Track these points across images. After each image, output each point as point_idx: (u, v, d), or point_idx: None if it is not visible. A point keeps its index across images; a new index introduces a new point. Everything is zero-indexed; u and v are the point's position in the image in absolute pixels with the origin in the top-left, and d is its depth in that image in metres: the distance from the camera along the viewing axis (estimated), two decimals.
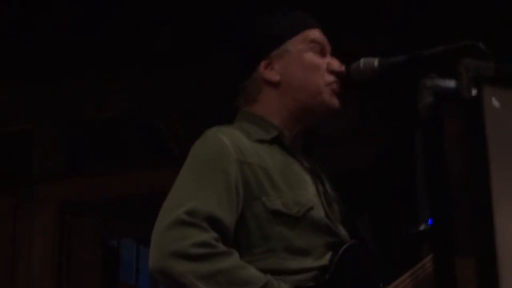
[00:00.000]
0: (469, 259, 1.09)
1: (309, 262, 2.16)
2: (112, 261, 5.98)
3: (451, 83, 1.23)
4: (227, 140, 2.21)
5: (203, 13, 4.61)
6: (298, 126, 2.38)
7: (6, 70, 4.99)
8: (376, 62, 2.13)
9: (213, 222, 2.06)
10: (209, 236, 2.04)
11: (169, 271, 2.01)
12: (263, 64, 2.36)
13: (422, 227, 2.46)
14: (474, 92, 1.23)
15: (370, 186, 4.37)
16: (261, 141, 2.29)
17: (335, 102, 2.36)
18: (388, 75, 2.13)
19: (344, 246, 2.20)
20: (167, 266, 2.01)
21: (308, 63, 2.37)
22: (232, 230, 2.12)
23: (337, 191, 2.38)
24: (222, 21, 4.54)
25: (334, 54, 2.48)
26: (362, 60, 2.14)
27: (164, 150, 4.82)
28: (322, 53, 2.39)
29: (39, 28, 4.87)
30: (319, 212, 2.23)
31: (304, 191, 2.24)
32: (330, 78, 2.36)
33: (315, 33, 2.41)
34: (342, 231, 2.28)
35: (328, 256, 2.19)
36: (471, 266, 1.05)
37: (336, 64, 2.38)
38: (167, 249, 2.02)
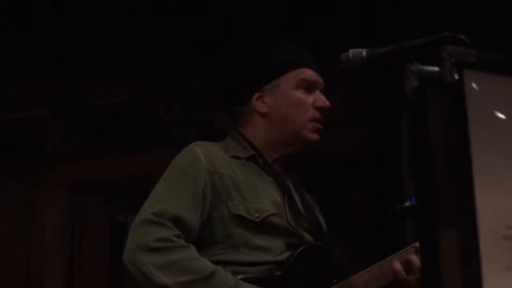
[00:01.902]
0: (452, 230, 1.10)
1: (268, 257, 2.30)
2: (120, 235, 6.01)
3: (434, 69, 1.25)
4: (201, 153, 2.37)
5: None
6: (278, 153, 2.50)
7: (17, 57, 5.01)
8: (364, 52, 2.15)
9: (177, 222, 2.23)
10: (171, 233, 2.21)
11: (134, 261, 2.19)
12: (256, 96, 2.50)
13: (406, 204, 2.51)
14: (456, 76, 1.25)
15: (359, 169, 4.40)
16: (237, 157, 2.44)
17: (314, 136, 2.49)
18: (375, 64, 2.15)
19: (302, 247, 2.34)
20: (133, 258, 2.20)
21: (294, 99, 2.50)
22: (195, 229, 2.28)
23: (308, 204, 2.52)
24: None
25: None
26: (351, 51, 2.17)
27: (165, 134, 4.83)
28: (310, 90, 2.50)
29: (49, 18, 4.86)
30: (280, 218, 2.35)
31: (267, 200, 2.37)
32: (315, 114, 2.48)
33: (306, 72, 2.51)
34: (305, 235, 2.40)
35: (286, 254, 2.32)
36: (454, 237, 1.07)
37: (321, 101, 2.48)
38: (134, 243, 2.23)
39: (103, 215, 5.19)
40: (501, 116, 1.18)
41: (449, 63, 1.17)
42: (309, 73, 2.51)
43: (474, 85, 1.18)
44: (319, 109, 2.47)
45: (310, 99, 2.48)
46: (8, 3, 4.78)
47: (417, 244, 2.27)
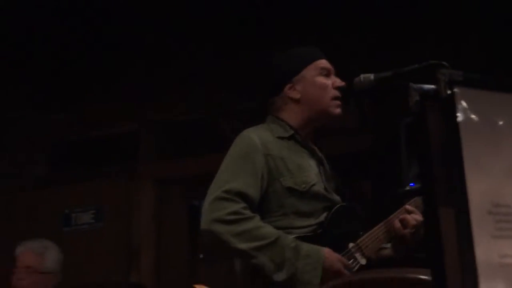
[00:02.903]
0: (448, 208, 1.09)
1: (311, 221, 2.27)
2: (196, 216, 5.98)
3: (431, 87, 1.23)
4: (256, 138, 2.33)
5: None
6: (310, 128, 2.47)
7: (118, 82, 5.04)
8: (372, 76, 2.14)
9: (243, 197, 2.19)
10: (239, 206, 2.16)
11: (213, 231, 2.14)
12: (287, 86, 2.45)
13: (406, 188, 2.51)
14: (448, 92, 1.23)
15: (369, 163, 4.36)
16: (281, 138, 2.38)
17: (338, 111, 2.45)
18: (381, 85, 2.13)
19: (335, 207, 2.33)
20: (211, 229, 2.15)
21: (319, 84, 2.48)
22: (256, 202, 2.23)
23: (332, 170, 2.47)
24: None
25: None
26: (361, 76, 2.16)
27: (224, 139, 4.82)
28: (328, 75, 2.48)
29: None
30: (319, 187, 2.32)
31: (309, 172, 2.33)
32: (336, 93, 2.45)
33: (323, 62, 2.49)
34: (336, 198, 2.38)
35: (324, 215, 2.30)
36: (450, 214, 1.06)
37: (338, 81, 2.46)
38: (210, 217, 2.20)
39: (182, 201, 5.19)
40: (485, 118, 1.17)
41: (443, 82, 1.16)
42: (325, 62, 2.50)
43: (462, 98, 1.17)
44: (338, 88, 2.45)
45: (330, 81, 2.46)
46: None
47: (407, 206, 2.40)
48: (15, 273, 3.72)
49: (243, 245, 2.11)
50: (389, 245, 2.44)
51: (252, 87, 4.49)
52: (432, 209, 1.09)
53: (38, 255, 3.76)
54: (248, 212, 2.17)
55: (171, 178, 4.99)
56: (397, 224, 2.35)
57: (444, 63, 1.61)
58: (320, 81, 2.46)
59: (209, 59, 4.72)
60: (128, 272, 4.78)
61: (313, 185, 2.31)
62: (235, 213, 2.14)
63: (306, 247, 2.17)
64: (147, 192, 4.93)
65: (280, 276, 2.11)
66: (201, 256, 6.09)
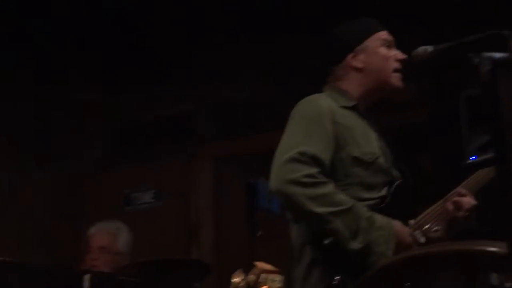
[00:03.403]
0: None
1: (374, 194, 2.24)
2: (253, 194, 5.99)
3: (503, 55, 1.20)
4: (323, 104, 2.28)
5: None
6: (369, 99, 2.43)
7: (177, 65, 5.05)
8: (430, 48, 2.10)
9: (317, 161, 2.13)
10: (315, 170, 2.11)
11: (287, 193, 2.08)
12: (350, 55, 2.41)
13: (467, 162, 2.46)
14: None
15: (428, 136, 4.30)
16: (345, 107, 2.34)
17: (399, 84, 2.42)
18: (440, 56, 2.09)
19: (396, 183, 2.28)
20: (285, 190, 2.10)
21: (382, 54, 2.43)
22: (328, 168, 2.16)
23: (391, 144, 2.42)
24: None
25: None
26: (420, 48, 2.12)
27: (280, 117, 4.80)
28: (389, 47, 2.42)
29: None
30: (382, 160, 2.28)
31: (373, 144, 2.30)
32: (398, 65, 2.40)
33: (385, 34, 2.47)
34: (395, 173, 2.34)
35: (385, 189, 2.25)
36: None
37: (400, 54, 2.43)
38: (285, 178, 2.11)
39: (240, 179, 5.20)
40: None
41: None
42: (387, 34, 2.47)
43: None
44: (400, 61, 2.42)
45: (392, 53, 2.43)
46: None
47: (460, 189, 2.35)
48: (88, 252, 3.81)
49: (319, 209, 2.06)
50: (439, 227, 2.37)
51: (306, 65, 4.48)
52: (506, 176, 1.07)
53: (112, 235, 3.86)
54: (323, 177, 2.11)
55: (228, 156, 5.02)
56: (450, 206, 2.30)
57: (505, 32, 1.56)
58: (383, 52, 2.42)
59: (265, 38, 4.70)
60: (188, 250, 4.83)
61: (378, 157, 2.27)
62: (311, 176, 2.08)
63: (379, 218, 2.14)
64: (205, 171, 4.97)
65: (355, 245, 2.07)
66: (259, 233, 6.12)
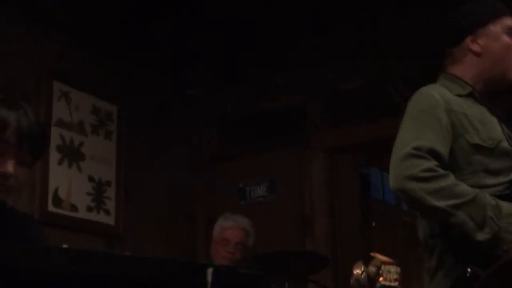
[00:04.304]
0: None
1: (500, 179, 2.13)
2: (366, 184, 5.93)
3: None
4: (437, 94, 2.18)
5: None
6: (485, 87, 2.29)
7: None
8: None
9: (434, 154, 2.05)
10: (432, 164, 2.02)
11: (406, 190, 2.01)
12: (470, 38, 2.30)
13: None
14: None
15: None
16: (459, 95, 2.23)
17: None
18: None
19: None
20: (404, 187, 2.04)
21: (504, 43, 2.30)
22: (446, 159, 2.08)
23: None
24: None
25: None
26: None
27: (393, 104, 4.69)
28: None
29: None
30: (505, 144, 2.18)
31: (494, 129, 2.19)
32: None
33: (510, 20, 2.29)
34: None
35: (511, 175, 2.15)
36: None
37: None
38: (403, 174, 2.07)
39: (353, 170, 5.15)
40: None
41: None
42: None
43: None
44: None
45: None
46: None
47: None
48: (223, 245, 3.90)
49: (440, 203, 1.98)
50: None
51: (419, 50, 4.35)
52: None
53: (246, 232, 3.95)
54: (441, 170, 2.03)
55: (341, 146, 4.92)
56: None
57: None
58: (506, 40, 2.28)
59: (378, 22, 4.60)
60: (303, 241, 4.82)
61: (500, 141, 2.18)
62: (429, 170, 2.00)
63: (506, 205, 2.03)
64: (317, 161, 4.89)
65: (482, 236, 1.96)
66: (374, 224, 6.02)
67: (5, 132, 1.72)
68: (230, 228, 3.93)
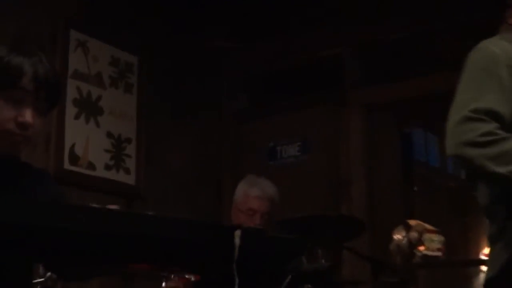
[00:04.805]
0: None
1: None
2: (408, 145, 5.92)
3: None
4: (497, 49, 2.10)
5: None
6: None
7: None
8: None
9: (494, 115, 1.99)
10: (492, 126, 1.97)
11: (464, 156, 1.98)
12: None
13: None
14: None
15: None
16: None
17: None
18: None
19: None
20: (462, 153, 1.97)
21: None
22: (508, 120, 2.01)
23: None
24: None
25: None
26: None
27: (438, 59, 4.67)
28: None
29: None
30: None
31: None
32: None
33: None
34: None
35: None
36: None
37: None
38: (459, 140, 1.99)
39: (394, 129, 5.14)
40: None
41: None
42: None
43: None
44: None
45: None
46: None
47: None
48: (249, 215, 3.93)
49: (502, 169, 1.92)
50: None
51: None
52: None
53: (273, 201, 3.88)
54: (502, 132, 1.96)
55: (381, 104, 4.76)
56: None
57: None
58: None
59: None
60: (338, 206, 4.68)
61: None
62: (488, 133, 1.95)
63: None
64: (355, 120, 4.75)
65: None
66: (416, 188, 6.03)
67: (22, 79, 1.78)
68: (257, 198, 3.86)
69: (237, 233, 1.50)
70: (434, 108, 4.82)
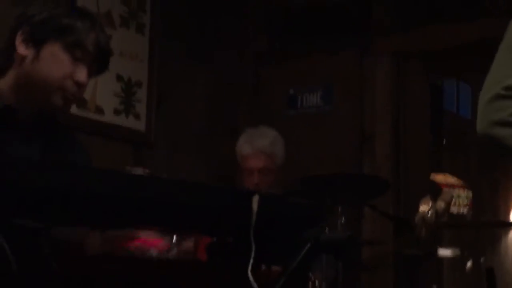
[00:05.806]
0: None
1: None
2: (438, 95, 5.92)
3: None
4: None
5: None
6: None
7: None
8: None
9: None
10: None
11: (495, 137, 1.94)
12: None
13: None
14: None
15: None
16: None
17: None
18: None
19: None
20: (493, 133, 1.92)
21: None
22: None
23: None
24: None
25: None
26: None
27: (472, 4, 4.63)
28: None
29: None
30: None
31: None
32: None
33: None
34: None
35: None
36: None
37: None
38: (490, 119, 1.91)
39: (423, 79, 5.12)
40: None
41: None
42: None
43: None
44: None
45: None
46: None
47: None
48: (248, 174, 3.93)
49: None
50: None
51: None
52: None
53: (269, 155, 3.93)
54: None
55: (410, 51, 4.64)
56: None
57: None
58: None
59: None
60: (361, 161, 4.63)
61: None
62: None
63: None
64: (382, 68, 4.66)
65: None
66: (445, 141, 6.06)
67: (87, 40, 2.04)
68: (248, 156, 3.93)
69: (255, 198, 1.56)
70: (469, 58, 4.81)
